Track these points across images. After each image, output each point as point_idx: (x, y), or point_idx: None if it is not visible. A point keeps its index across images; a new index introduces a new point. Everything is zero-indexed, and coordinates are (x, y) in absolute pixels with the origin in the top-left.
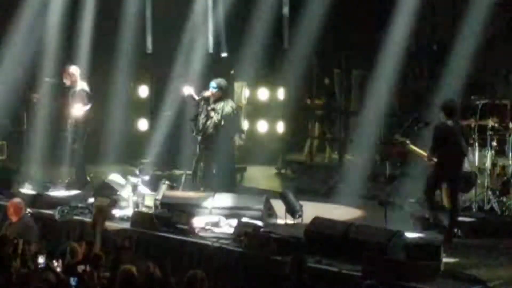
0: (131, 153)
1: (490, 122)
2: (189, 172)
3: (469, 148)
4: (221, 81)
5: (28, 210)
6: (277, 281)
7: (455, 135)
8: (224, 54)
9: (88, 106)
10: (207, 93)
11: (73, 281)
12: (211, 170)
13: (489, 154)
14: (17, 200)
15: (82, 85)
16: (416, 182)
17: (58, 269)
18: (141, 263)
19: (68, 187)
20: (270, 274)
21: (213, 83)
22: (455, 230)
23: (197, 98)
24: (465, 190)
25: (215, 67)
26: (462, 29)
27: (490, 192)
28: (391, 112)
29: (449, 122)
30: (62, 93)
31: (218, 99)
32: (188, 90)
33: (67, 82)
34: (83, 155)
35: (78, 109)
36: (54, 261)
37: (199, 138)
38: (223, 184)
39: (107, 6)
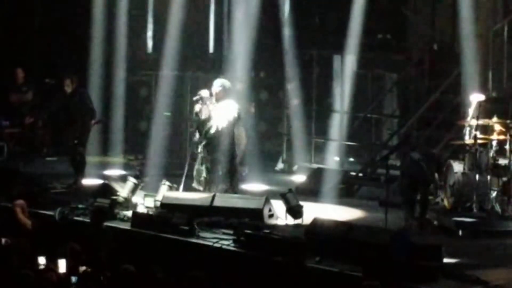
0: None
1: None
2: (189, 172)
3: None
4: (225, 81)
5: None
6: (278, 282)
7: (420, 166)
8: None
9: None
10: (206, 92)
11: (74, 279)
12: (216, 172)
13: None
14: (20, 201)
15: (83, 94)
16: None
17: (59, 270)
18: (141, 264)
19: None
20: (270, 275)
21: (217, 82)
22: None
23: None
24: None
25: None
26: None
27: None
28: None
29: (413, 154)
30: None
31: (221, 99)
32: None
33: (68, 89)
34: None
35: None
36: (55, 262)
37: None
38: (223, 184)
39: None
